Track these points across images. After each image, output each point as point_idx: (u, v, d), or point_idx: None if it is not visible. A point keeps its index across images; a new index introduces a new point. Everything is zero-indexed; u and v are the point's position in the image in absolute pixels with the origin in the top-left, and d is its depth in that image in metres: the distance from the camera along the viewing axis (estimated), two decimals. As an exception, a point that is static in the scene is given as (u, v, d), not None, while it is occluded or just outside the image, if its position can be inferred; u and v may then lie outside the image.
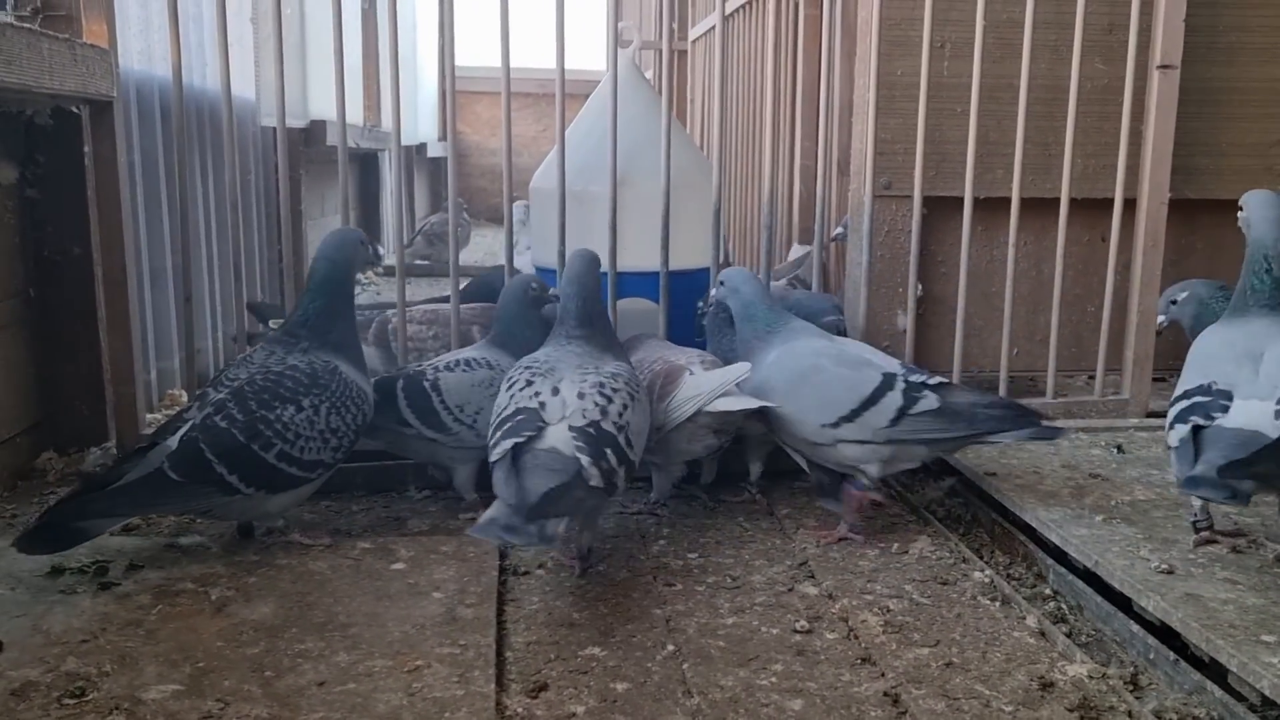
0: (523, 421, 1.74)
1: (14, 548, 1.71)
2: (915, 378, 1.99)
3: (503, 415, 1.80)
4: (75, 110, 2.20)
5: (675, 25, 4.82)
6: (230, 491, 1.78)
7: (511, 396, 1.82)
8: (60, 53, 1.92)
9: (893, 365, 2.03)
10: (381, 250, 5.97)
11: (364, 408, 1.95)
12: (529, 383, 1.83)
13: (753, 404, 1.97)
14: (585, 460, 1.67)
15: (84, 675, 1.44)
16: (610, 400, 1.78)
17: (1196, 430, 1.65)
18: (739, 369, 2.01)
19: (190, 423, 1.81)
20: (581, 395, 1.77)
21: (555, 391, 1.79)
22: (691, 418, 1.99)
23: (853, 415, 1.95)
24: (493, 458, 1.72)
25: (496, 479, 1.69)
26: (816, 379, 2.01)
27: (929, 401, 1.94)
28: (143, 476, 1.75)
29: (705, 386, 1.98)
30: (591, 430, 1.72)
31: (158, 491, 1.76)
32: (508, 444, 1.70)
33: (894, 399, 1.94)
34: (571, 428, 1.72)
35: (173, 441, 1.79)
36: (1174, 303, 2.47)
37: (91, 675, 1.44)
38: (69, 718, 1.35)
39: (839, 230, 2.46)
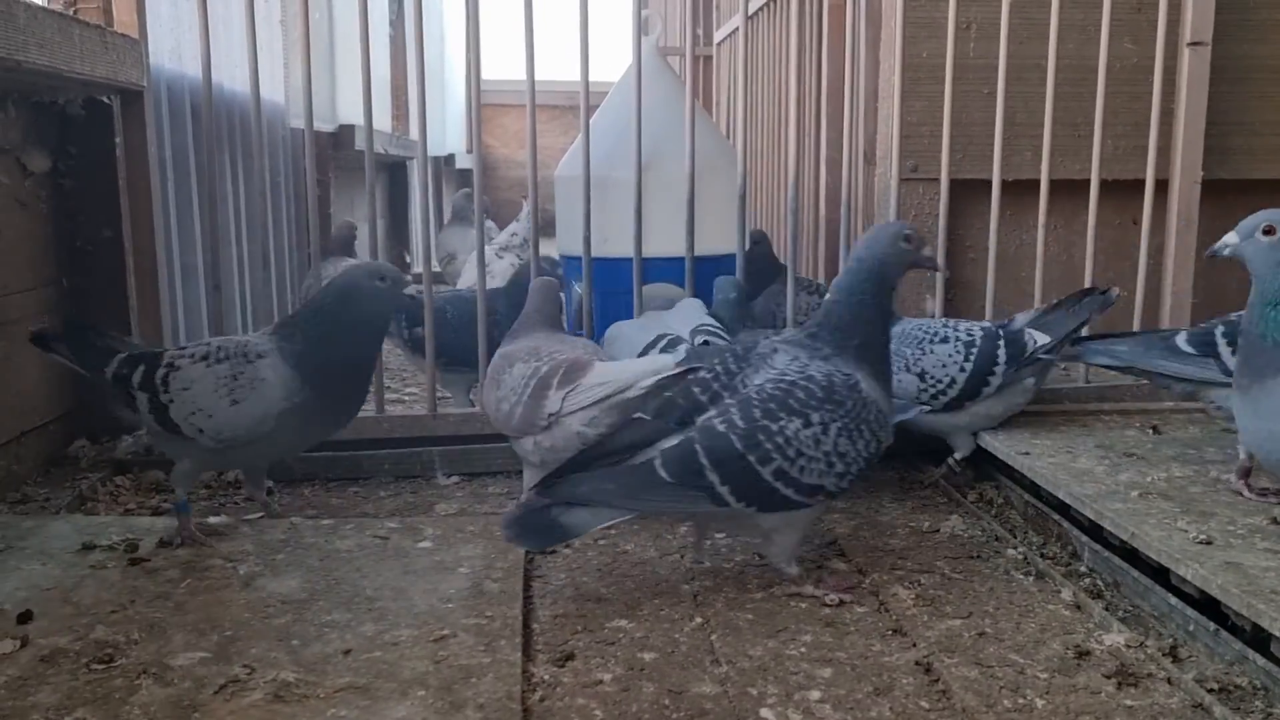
0: None
1: (504, 538, 1.62)
2: None
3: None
4: (106, 100, 2.23)
5: (700, 31, 4.82)
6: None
7: None
8: (91, 39, 1.95)
9: None
10: (408, 257, 6.02)
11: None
12: None
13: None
14: None
15: (113, 643, 1.45)
16: None
17: None
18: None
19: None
20: None
21: None
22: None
23: None
24: None
25: None
26: None
27: None
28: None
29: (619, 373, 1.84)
30: None
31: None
32: None
33: None
34: None
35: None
36: None
37: (120, 643, 1.45)
38: (97, 681, 1.35)
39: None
